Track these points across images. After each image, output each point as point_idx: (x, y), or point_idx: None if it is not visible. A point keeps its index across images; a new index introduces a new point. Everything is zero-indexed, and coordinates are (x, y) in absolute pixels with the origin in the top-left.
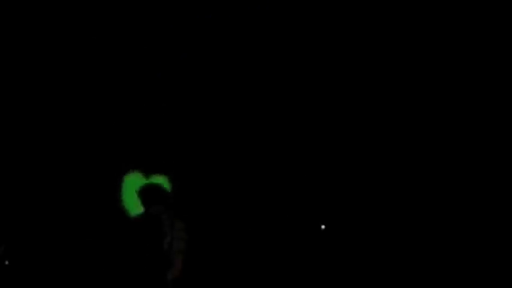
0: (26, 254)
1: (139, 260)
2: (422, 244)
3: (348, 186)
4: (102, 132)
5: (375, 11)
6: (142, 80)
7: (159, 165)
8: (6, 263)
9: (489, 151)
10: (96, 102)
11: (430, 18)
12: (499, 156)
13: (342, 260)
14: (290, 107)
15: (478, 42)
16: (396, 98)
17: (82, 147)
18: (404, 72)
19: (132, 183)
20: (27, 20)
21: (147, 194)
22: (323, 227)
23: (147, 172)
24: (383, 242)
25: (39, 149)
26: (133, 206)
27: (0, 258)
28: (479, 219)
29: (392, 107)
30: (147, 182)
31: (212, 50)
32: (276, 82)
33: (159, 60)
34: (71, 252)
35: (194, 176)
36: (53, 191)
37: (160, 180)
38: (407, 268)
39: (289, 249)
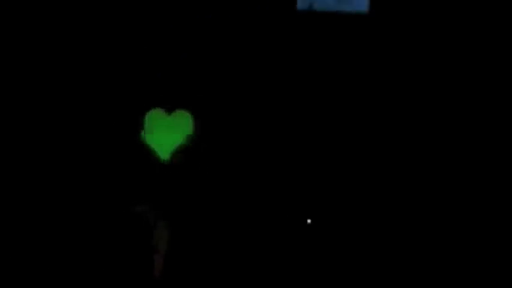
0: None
1: (124, 259)
2: (408, 240)
3: (333, 180)
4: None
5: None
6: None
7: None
8: None
9: (489, 151)
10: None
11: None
12: (499, 156)
13: (328, 255)
14: (287, 106)
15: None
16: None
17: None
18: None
19: (155, 120)
20: (27, 20)
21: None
22: (309, 221)
23: (169, 107)
24: (370, 237)
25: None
26: (161, 146)
27: None
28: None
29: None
30: (169, 118)
31: (212, 50)
32: (275, 82)
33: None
34: (55, 252)
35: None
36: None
37: (184, 115)
38: (394, 263)
39: (275, 243)
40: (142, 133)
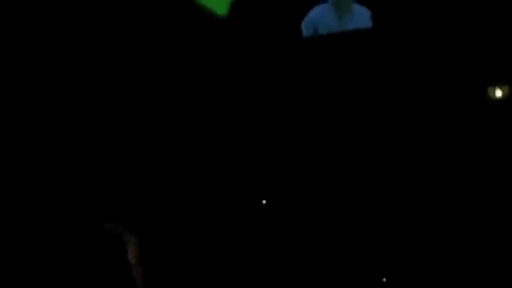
0: None
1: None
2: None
3: (290, 159)
4: None
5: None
6: None
7: None
8: None
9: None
10: None
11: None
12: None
13: (286, 238)
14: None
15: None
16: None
17: None
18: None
19: None
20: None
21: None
22: (264, 202)
23: None
24: (328, 218)
25: None
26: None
27: None
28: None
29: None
30: None
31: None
32: (275, 84)
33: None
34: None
35: None
36: None
37: None
38: (352, 244)
39: (230, 226)
40: None
